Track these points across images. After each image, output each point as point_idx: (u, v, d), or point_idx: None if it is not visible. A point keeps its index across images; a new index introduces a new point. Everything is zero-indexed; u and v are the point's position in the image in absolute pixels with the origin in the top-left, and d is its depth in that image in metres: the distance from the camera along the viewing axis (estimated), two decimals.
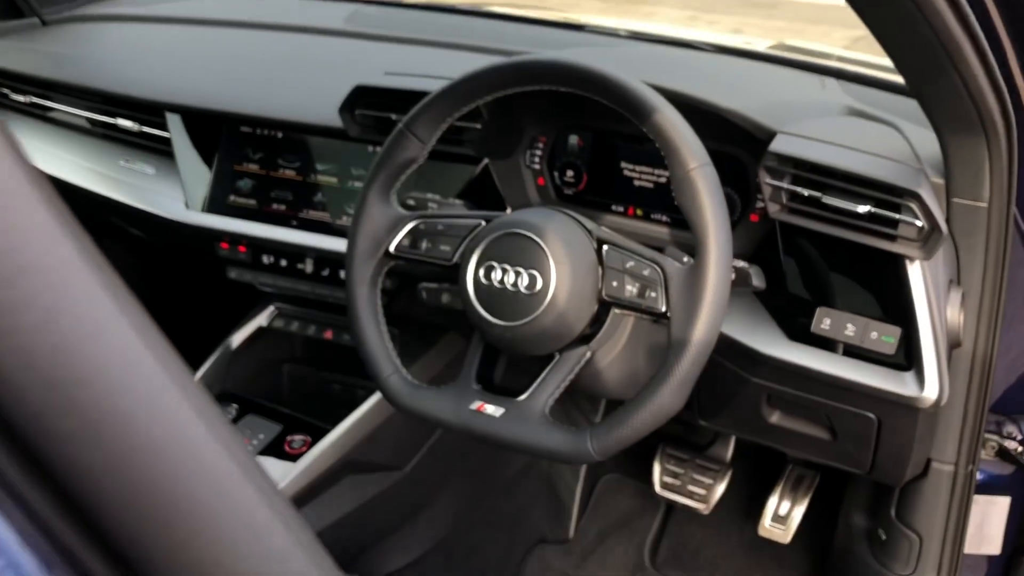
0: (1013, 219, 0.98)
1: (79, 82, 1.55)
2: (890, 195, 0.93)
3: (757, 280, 0.96)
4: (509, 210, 1.21)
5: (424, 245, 1.01)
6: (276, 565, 0.34)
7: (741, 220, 1.11)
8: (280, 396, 1.52)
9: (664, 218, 1.17)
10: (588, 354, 0.95)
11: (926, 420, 1.02)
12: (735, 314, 1.04)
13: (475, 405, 0.94)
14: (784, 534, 1.51)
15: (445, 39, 1.52)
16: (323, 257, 1.32)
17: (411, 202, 1.13)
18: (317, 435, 1.32)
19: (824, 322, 0.99)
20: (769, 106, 1.07)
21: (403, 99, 1.21)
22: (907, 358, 0.96)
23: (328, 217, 1.33)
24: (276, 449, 1.32)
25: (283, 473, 1.25)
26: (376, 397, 1.32)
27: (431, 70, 1.25)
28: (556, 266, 0.90)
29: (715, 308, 0.84)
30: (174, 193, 1.42)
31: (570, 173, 1.22)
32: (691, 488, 1.61)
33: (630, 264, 0.90)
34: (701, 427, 1.26)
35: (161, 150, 1.48)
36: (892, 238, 0.94)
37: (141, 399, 0.32)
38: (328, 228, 1.32)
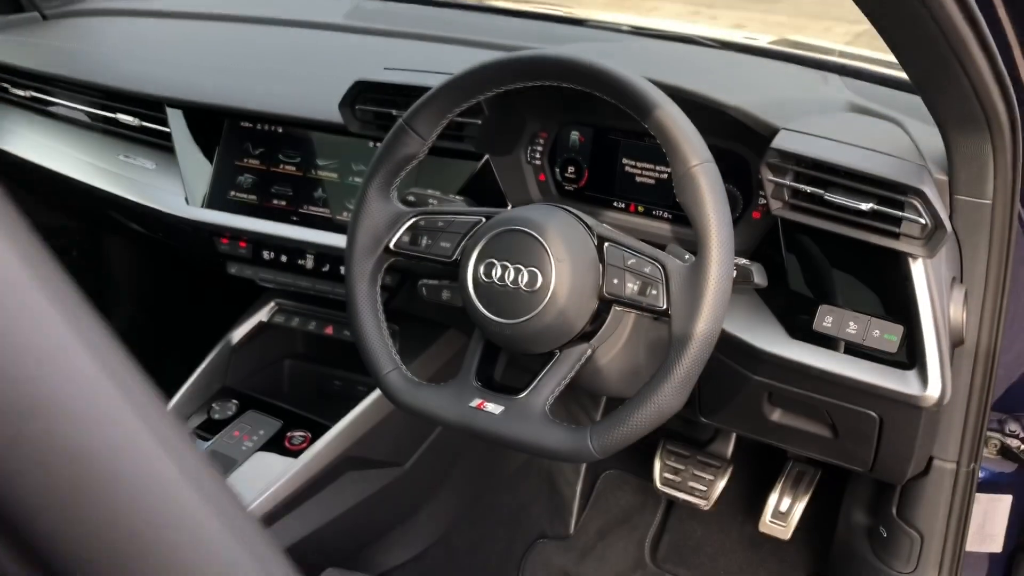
0: (1017, 216, 0.97)
1: (79, 77, 1.55)
2: (893, 192, 0.92)
3: (759, 278, 0.95)
4: (510, 206, 1.21)
5: (424, 242, 1.00)
6: None
7: (743, 217, 1.10)
8: (280, 392, 1.51)
9: (665, 214, 1.17)
10: (589, 352, 0.94)
11: (928, 419, 1.01)
12: (736, 311, 1.03)
13: (475, 403, 0.94)
14: (784, 530, 1.50)
15: (446, 34, 1.51)
16: (323, 253, 1.32)
17: (411, 198, 1.13)
18: (317, 431, 1.32)
19: (826, 320, 0.98)
20: (771, 102, 1.06)
21: (403, 94, 1.21)
22: (910, 356, 0.96)
23: (329, 213, 1.32)
24: (276, 445, 1.31)
25: (283, 469, 1.25)
26: (376, 393, 1.32)
27: (431, 65, 1.24)
28: (556, 263, 0.90)
29: (716, 306, 0.84)
30: (174, 188, 1.42)
31: (571, 169, 1.22)
32: (692, 484, 1.61)
33: (631, 261, 0.90)
34: (702, 423, 1.26)
35: (161, 145, 1.48)
36: (895, 235, 0.93)
37: (97, 430, 0.28)
38: (329, 224, 1.32)
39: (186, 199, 1.40)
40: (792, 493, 1.53)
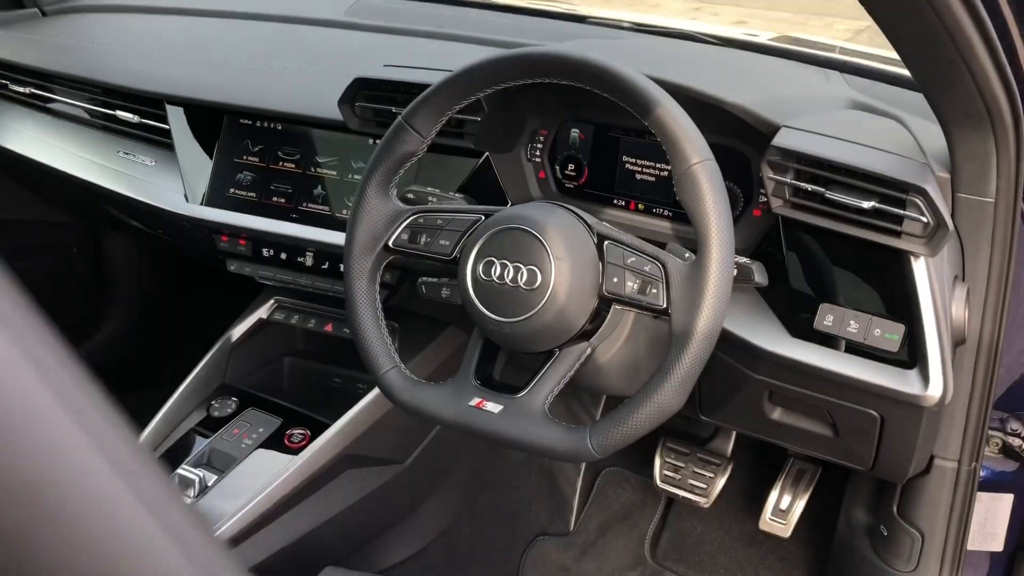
0: (1020, 214, 0.97)
1: (79, 73, 1.55)
2: (895, 190, 0.92)
3: (759, 276, 0.95)
4: (510, 204, 1.20)
5: (423, 240, 1.00)
6: None
7: (743, 215, 1.10)
8: (280, 389, 1.51)
9: (666, 212, 1.16)
10: (588, 350, 0.94)
11: (930, 418, 1.01)
12: (737, 310, 1.03)
13: (474, 401, 0.93)
14: (785, 528, 1.50)
15: (446, 30, 1.50)
16: (323, 250, 1.32)
17: (411, 196, 1.12)
18: (317, 429, 1.31)
19: (827, 318, 0.98)
20: (772, 100, 1.06)
21: (403, 91, 1.20)
22: (911, 356, 0.95)
23: (328, 210, 1.32)
24: (276, 443, 1.31)
25: (283, 467, 1.25)
26: (376, 391, 1.32)
27: (432, 62, 1.24)
28: (556, 262, 0.90)
29: (716, 305, 0.83)
30: (174, 185, 1.42)
31: (571, 167, 1.21)
32: (692, 482, 1.61)
33: (631, 260, 0.89)
34: (702, 421, 1.26)
35: (161, 142, 1.47)
36: (897, 234, 0.93)
37: (49, 462, 0.26)
38: (328, 221, 1.31)
39: (185, 196, 1.40)
40: (792, 491, 1.52)
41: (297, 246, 1.34)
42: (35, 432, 0.25)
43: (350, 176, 1.31)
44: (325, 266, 1.33)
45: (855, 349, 0.98)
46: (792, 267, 1.02)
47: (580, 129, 1.20)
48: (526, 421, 0.90)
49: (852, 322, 0.97)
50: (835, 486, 1.48)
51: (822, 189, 0.95)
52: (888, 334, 0.95)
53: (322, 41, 1.56)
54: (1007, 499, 1.24)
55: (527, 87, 0.97)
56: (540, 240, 0.90)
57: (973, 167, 0.93)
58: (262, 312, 1.49)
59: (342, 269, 1.05)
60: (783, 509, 1.52)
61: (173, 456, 1.30)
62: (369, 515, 1.47)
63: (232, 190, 1.38)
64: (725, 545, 1.71)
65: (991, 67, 0.81)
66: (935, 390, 0.93)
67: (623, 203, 1.19)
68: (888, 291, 0.97)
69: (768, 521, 1.51)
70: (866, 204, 0.92)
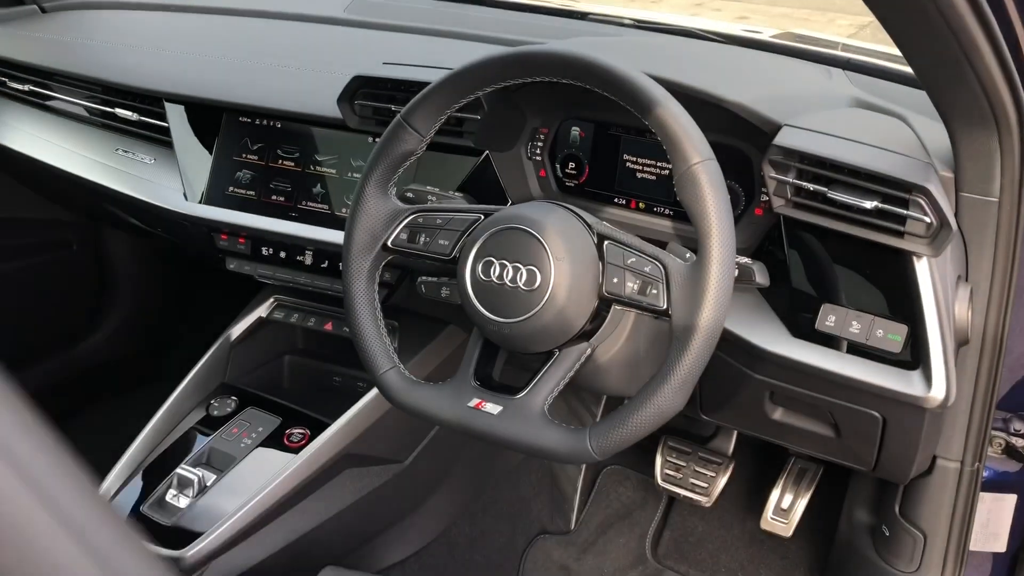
0: None
1: (78, 71, 1.54)
2: (898, 190, 0.91)
3: (760, 277, 0.94)
4: (510, 203, 1.20)
5: (422, 239, 0.99)
6: None
7: (745, 214, 1.09)
8: (280, 388, 1.51)
9: (667, 211, 1.16)
10: (588, 351, 0.94)
11: (932, 419, 1.00)
12: (738, 310, 1.02)
13: (473, 402, 0.93)
14: (786, 527, 1.50)
15: (446, 28, 1.50)
16: (322, 249, 1.31)
17: (410, 194, 1.12)
18: (317, 428, 1.31)
19: (829, 319, 0.97)
20: (774, 98, 1.05)
21: (403, 89, 1.20)
22: (914, 356, 0.95)
23: (327, 209, 1.31)
24: (276, 442, 1.31)
25: (283, 466, 1.24)
26: (376, 390, 1.31)
27: (432, 60, 1.23)
28: (555, 262, 0.89)
29: (717, 306, 0.83)
30: (173, 184, 1.41)
31: (572, 165, 1.20)
32: (693, 481, 1.60)
33: (631, 260, 0.89)
34: (703, 420, 1.25)
35: (160, 140, 1.47)
36: (900, 234, 0.92)
37: None
38: (328, 220, 1.31)
39: (184, 194, 1.39)
40: (794, 490, 1.52)
41: (296, 245, 1.33)
42: None
43: (349, 174, 1.31)
44: (324, 265, 1.33)
45: (857, 350, 0.98)
46: (794, 267, 1.01)
47: (580, 127, 1.19)
48: (525, 422, 0.90)
49: (854, 323, 0.96)
50: (837, 486, 1.47)
51: (824, 188, 0.94)
52: (891, 335, 0.95)
53: (321, 38, 1.55)
54: (1010, 499, 1.24)
55: (527, 85, 0.96)
56: (540, 240, 0.90)
57: (977, 166, 0.92)
58: (262, 311, 1.48)
59: (341, 268, 1.04)
60: (784, 508, 1.52)
61: (172, 455, 1.30)
62: (369, 514, 1.46)
63: (231, 188, 1.37)
64: (726, 544, 1.70)
65: (995, 65, 0.80)
66: (938, 392, 0.93)
67: (624, 202, 1.18)
68: (891, 291, 0.96)
69: (769, 520, 1.51)
70: (869, 204, 0.92)
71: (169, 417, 1.35)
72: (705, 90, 1.01)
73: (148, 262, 2.05)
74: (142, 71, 1.49)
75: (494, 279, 0.91)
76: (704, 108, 0.96)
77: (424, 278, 1.10)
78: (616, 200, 1.19)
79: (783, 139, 0.96)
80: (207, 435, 1.33)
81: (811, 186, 0.95)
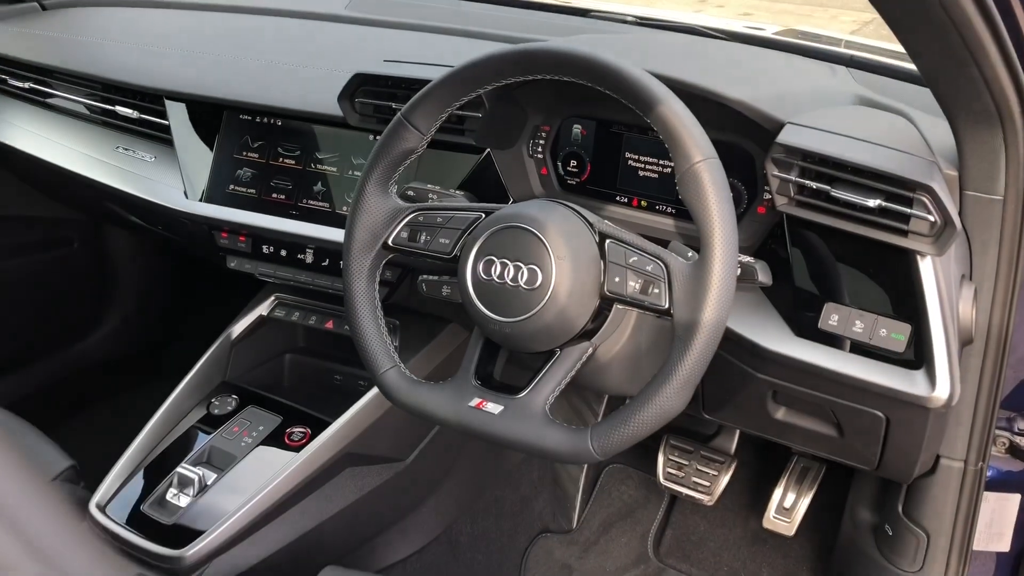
0: None
1: (78, 68, 1.54)
2: (901, 188, 0.90)
3: (763, 276, 0.94)
4: (511, 201, 1.19)
5: (423, 238, 0.99)
6: None
7: (747, 212, 1.09)
8: (281, 387, 1.50)
9: (669, 209, 1.15)
10: (590, 350, 0.93)
11: (936, 418, 1.00)
12: (740, 309, 1.02)
13: (474, 402, 0.92)
14: (788, 526, 1.49)
15: (447, 25, 1.49)
16: (323, 247, 1.31)
17: (411, 193, 1.11)
18: (317, 427, 1.30)
19: (832, 318, 0.97)
20: (777, 96, 1.04)
21: (403, 87, 1.19)
22: (917, 356, 0.94)
23: (328, 207, 1.31)
24: (276, 441, 1.30)
25: (284, 465, 1.24)
26: (377, 389, 1.31)
27: (433, 57, 1.23)
28: (557, 261, 0.88)
29: (719, 306, 0.82)
30: (173, 182, 1.41)
31: (573, 163, 1.20)
32: (695, 479, 1.60)
33: (633, 259, 0.88)
34: (706, 419, 1.25)
35: (160, 137, 1.47)
36: (903, 233, 0.91)
37: None
38: (328, 218, 1.30)
39: (185, 192, 1.39)
40: (796, 489, 1.51)
41: (297, 243, 1.33)
42: None
43: (350, 172, 1.30)
44: (325, 263, 1.32)
45: (860, 349, 0.97)
46: (797, 266, 1.01)
47: (582, 125, 1.18)
48: (527, 422, 0.89)
49: (857, 322, 0.95)
50: (839, 485, 1.47)
51: (827, 187, 0.94)
52: (894, 334, 0.94)
53: (322, 36, 1.54)
54: (1014, 499, 1.23)
55: (529, 83, 0.96)
56: (541, 239, 0.89)
57: (981, 164, 0.92)
58: (262, 309, 1.48)
59: (342, 266, 1.04)
60: (787, 507, 1.51)
61: (173, 454, 1.30)
62: (370, 513, 1.46)
63: (232, 186, 1.37)
64: (728, 543, 1.70)
65: (1000, 62, 0.79)
66: (942, 391, 0.92)
67: (626, 200, 1.18)
68: (894, 290, 0.95)
69: (772, 519, 1.51)
70: (872, 202, 0.91)
71: (169, 416, 1.35)
72: (707, 87, 1.00)
73: (148, 260, 2.05)
74: (143, 69, 1.49)
75: (495, 278, 0.91)
76: (706, 106, 0.95)
77: (425, 277, 1.09)
78: (618, 198, 1.18)
79: (786, 137, 0.95)
80: (208, 434, 1.32)
81: (814, 184, 0.95)
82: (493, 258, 0.91)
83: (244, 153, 1.37)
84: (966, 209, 0.95)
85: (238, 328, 1.46)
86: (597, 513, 1.77)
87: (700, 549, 1.70)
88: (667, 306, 0.85)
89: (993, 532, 1.24)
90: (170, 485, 1.23)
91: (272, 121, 1.36)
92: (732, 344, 1.01)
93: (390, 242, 1.01)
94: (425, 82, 0.99)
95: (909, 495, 1.18)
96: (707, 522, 1.73)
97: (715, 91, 1.00)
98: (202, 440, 1.32)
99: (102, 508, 1.21)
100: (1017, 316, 1.00)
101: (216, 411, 1.36)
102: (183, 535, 1.17)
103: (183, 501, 1.21)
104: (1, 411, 1.34)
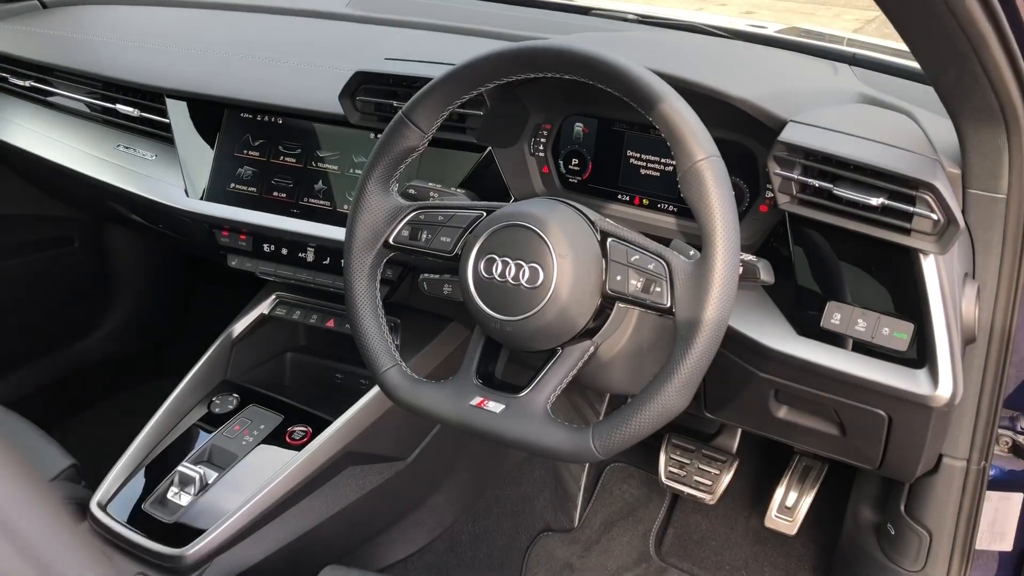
0: None
1: (79, 67, 1.54)
2: (904, 187, 0.90)
3: (765, 275, 0.94)
4: (513, 199, 1.19)
5: (424, 236, 0.98)
6: None
7: (750, 210, 1.08)
8: (282, 385, 1.50)
9: (671, 207, 1.15)
10: (591, 349, 0.93)
11: (939, 418, 0.99)
12: (743, 307, 1.01)
13: (475, 401, 0.92)
14: (791, 525, 1.49)
15: (448, 23, 1.49)
16: (324, 246, 1.31)
17: (412, 191, 1.11)
18: (318, 426, 1.30)
19: (834, 317, 0.96)
20: (780, 94, 1.04)
21: (404, 85, 1.19)
22: (920, 355, 0.94)
23: (329, 205, 1.31)
24: (277, 439, 1.30)
25: (285, 464, 1.24)
26: (378, 388, 1.31)
27: (434, 55, 1.22)
28: (558, 259, 0.88)
29: (721, 305, 0.82)
30: (174, 180, 1.41)
31: (575, 161, 1.20)
32: (697, 478, 1.60)
33: (634, 258, 0.88)
34: (708, 418, 1.24)
35: (161, 136, 1.46)
36: (906, 231, 0.91)
37: None
38: (329, 216, 1.30)
39: (186, 191, 1.38)
40: (798, 488, 1.51)
41: (298, 241, 1.32)
42: None
43: (351, 171, 1.30)
44: (326, 262, 1.32)
45: (863, 348, 0.97)
46: (799, 264, 1.01)
47: (584, 123, 1.18)
48: (528, 421, 0.89)
49: (860, 320, 0.95)
50: (841, 483, 1.47)
51: (830, 185, 0.93)
52: (897, 333, 0.94)
53: (323, 34, 1.54)
54: (1017, 498, 1.23)
55: (530, 81, 0.95)
56: (542, 237, 0.89)
57: (985, 163, 0.91)
58: (263, 308, 1.48)
59: (343, 265, 1.04)
60: (789, 506, 1.51)
61: (174, 453, 1.30)
62: (371, 512, 1.46)
63: (233, 185, 1.36)
64: (730, 542, 1.70)
65: (1004, 60, 0.79)
66: (944, 390, 0.92)
67: (628, 198, 1.17)
68: (897, 289, 0.95)
69: (774, 518, 1.50)
70: (875, 201, 0.91)
71: (170, 414, 1.35)
72: (710, 86, 1.00)
73: (149, 259, 2.05)
74: (143, 67, 1.49)
75: (496, 276, 0.91)
76: (708, 104, 0.95)
77: (426, 275, 1.09)
78: (620, 197, 1.18)
79: (788, 135, 0.95)
80: (209, 432, 1.32)
81: (817, 183, 0.94)
82: (494, 256, 0.91)
83: (245, 151, 1.37)
84: (969, 207, 0.95)
85: (239, 327, 1.46)
86: (599, 512, 1.77)
87: (702, 548, 1.70)
88: (669, 305, 0.85)
89: (995, 531, 1.24)
90: (171, 484, 1.23)
91: (273, 119, 1.35)
92: (734, 343, 1.01)
93: (391, 240, 1.00)
94: (426, 80, 0.98)
95: (911, 494, 1.18)
96: (709, 521, 1.73)
97: (717, 89, 1.00)
98: (203, 439, 1.32)
99: (103, 507, 1.21)
100: (1020, 315, 0.99)
101: (217, 410, 1.36)
102: (184, 534, 1.16)
103: (184, 500, 1.21)
104: (2, 410, 1.34)
